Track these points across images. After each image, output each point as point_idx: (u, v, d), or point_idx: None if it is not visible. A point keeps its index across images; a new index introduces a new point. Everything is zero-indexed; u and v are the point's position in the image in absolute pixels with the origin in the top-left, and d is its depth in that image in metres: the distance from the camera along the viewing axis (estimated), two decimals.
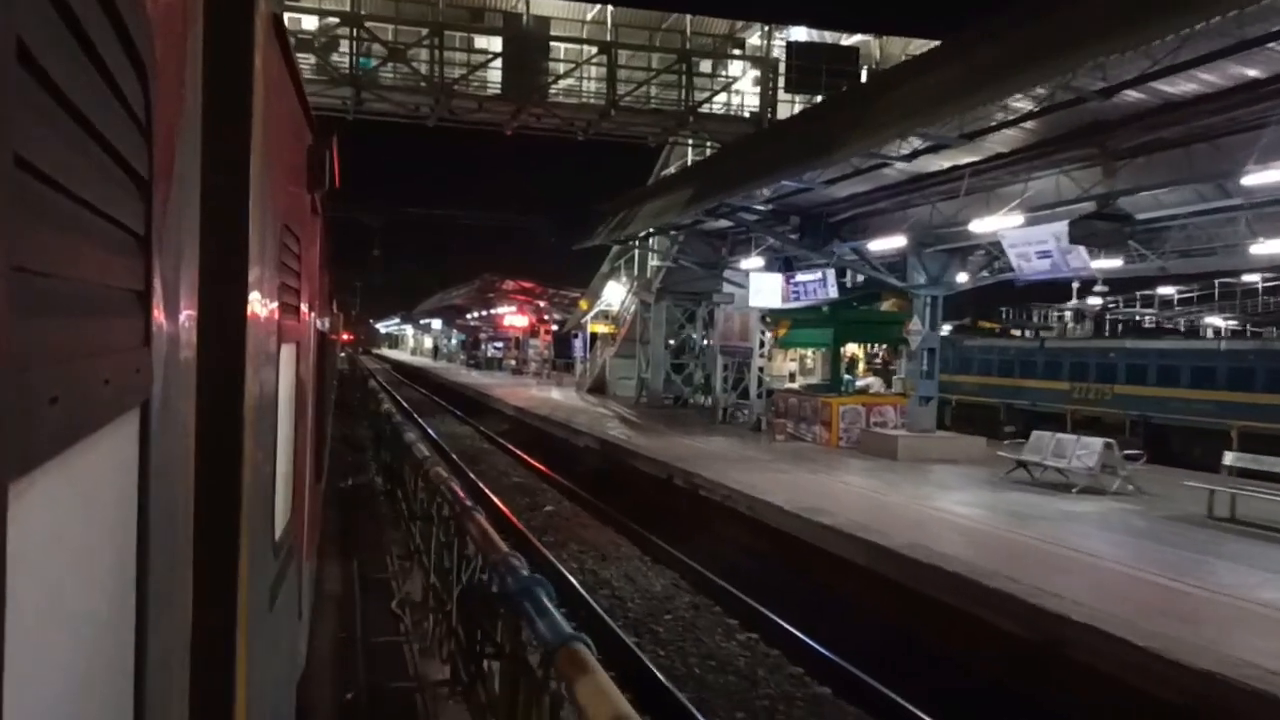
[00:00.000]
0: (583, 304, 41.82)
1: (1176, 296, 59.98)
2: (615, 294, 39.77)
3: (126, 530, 1.03)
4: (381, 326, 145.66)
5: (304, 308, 3.53)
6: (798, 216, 18.46)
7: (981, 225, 13.61)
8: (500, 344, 68.03)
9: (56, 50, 0.68)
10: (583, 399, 35.78)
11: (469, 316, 70.23)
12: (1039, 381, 31.41)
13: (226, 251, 1.63)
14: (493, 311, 57.30)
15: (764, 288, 20.26)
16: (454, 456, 23.99)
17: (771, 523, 13.07)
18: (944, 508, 13.09)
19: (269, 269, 2.08)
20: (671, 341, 32.00)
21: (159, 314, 1.08)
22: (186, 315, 1.30)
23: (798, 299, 22.15)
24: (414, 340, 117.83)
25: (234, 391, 1.69)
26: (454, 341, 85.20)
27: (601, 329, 42.43)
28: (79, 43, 0.75)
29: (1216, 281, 52.01)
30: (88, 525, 0.89)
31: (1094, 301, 60.64)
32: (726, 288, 24.16)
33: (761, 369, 23.55)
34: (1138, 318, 57.92)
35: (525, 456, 24.27)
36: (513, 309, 51.40)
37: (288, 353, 2.77)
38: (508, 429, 30.57)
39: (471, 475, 20.73)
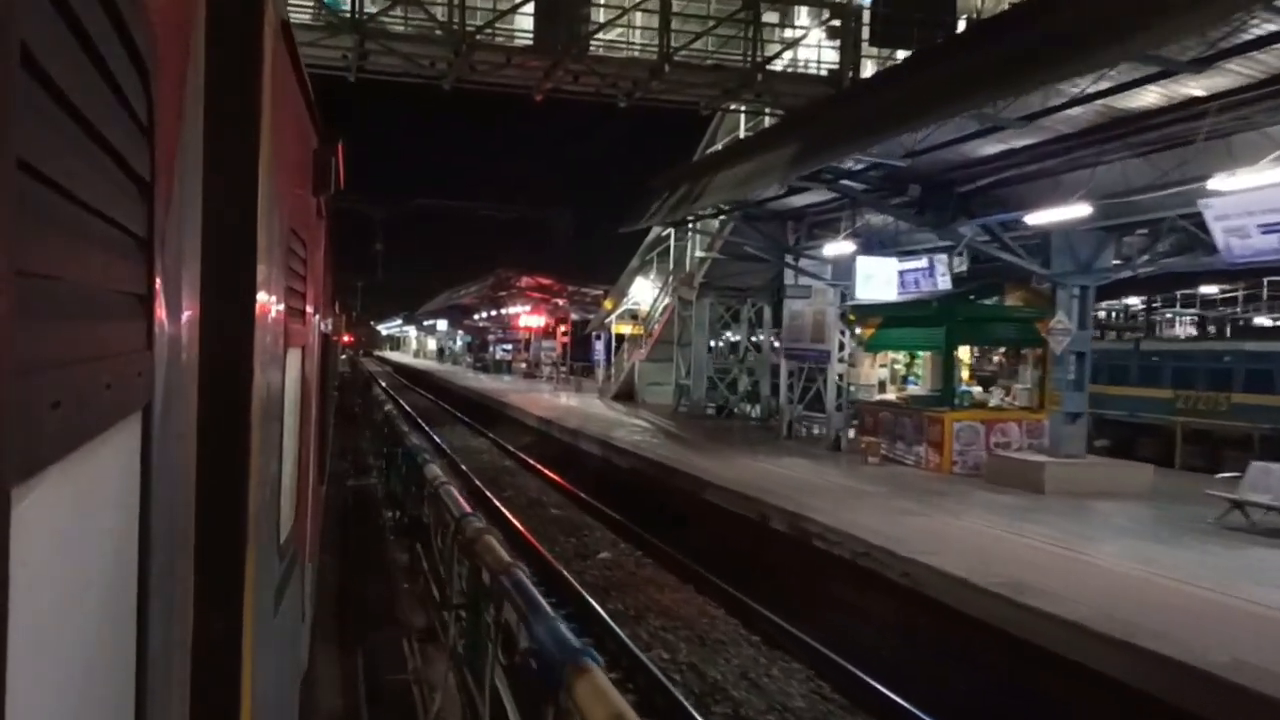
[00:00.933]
0: (607, 303, 38.01)
1: (1220, 296, 56.52)
2: (644, 292, 36.01)
3: (129, 534, 1.03)
4: (383, 328, 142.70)
5: (309, 310, 3.47)
6: (918, 185, 14.64)
7: (1232, 182, 9.81)
8: (509, 346, 64.34)
9: (59, 53, 0.68)
10: (610, 407, 32.02)
11: (476, 317, 66.48)
12: (1134, 389, 27.59)
13: (234, 254, 1.61)
14: (505, 311, 53.32)
15: (876, 275, 16.35)
16: (473, 477, 20.23)
17: (947, 600, 9.24)
18: (1197, 579, 9.18)
19: (276, 272, 2.07)
20: (721, 341, 28.23)
21: (161, 317, 1.08)
22: (189, 318, 1.30)
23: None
24: (416, 342, 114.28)
25: (241, 394, 1.66)
26: (459, 343, 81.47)
27: (627, 330, 38.70)
28: (81, 45, 0.74)
29: (1265, 280, 48.40)
30: (90, 530, 0.89)
31: (1132, 301, 57.28)
32: (796, 279, 20.33)
33: (841, 376, 19.72)
34: (1172, 317, 54.50)
35: (559, 479, 20.46)
36: (527, 308, 47.46)
37: (293, 355, 2.74)
38: (531, 443, 26.75)
39: (498, 505, 16.96)
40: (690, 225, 25.17)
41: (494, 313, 59.77)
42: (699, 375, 27.94)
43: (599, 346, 42.05)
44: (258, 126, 1.65)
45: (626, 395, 34.74)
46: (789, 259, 20.41)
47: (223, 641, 1.57)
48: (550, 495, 19.27)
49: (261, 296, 1.78)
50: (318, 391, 4.63)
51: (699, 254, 26.34)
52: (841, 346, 19.70)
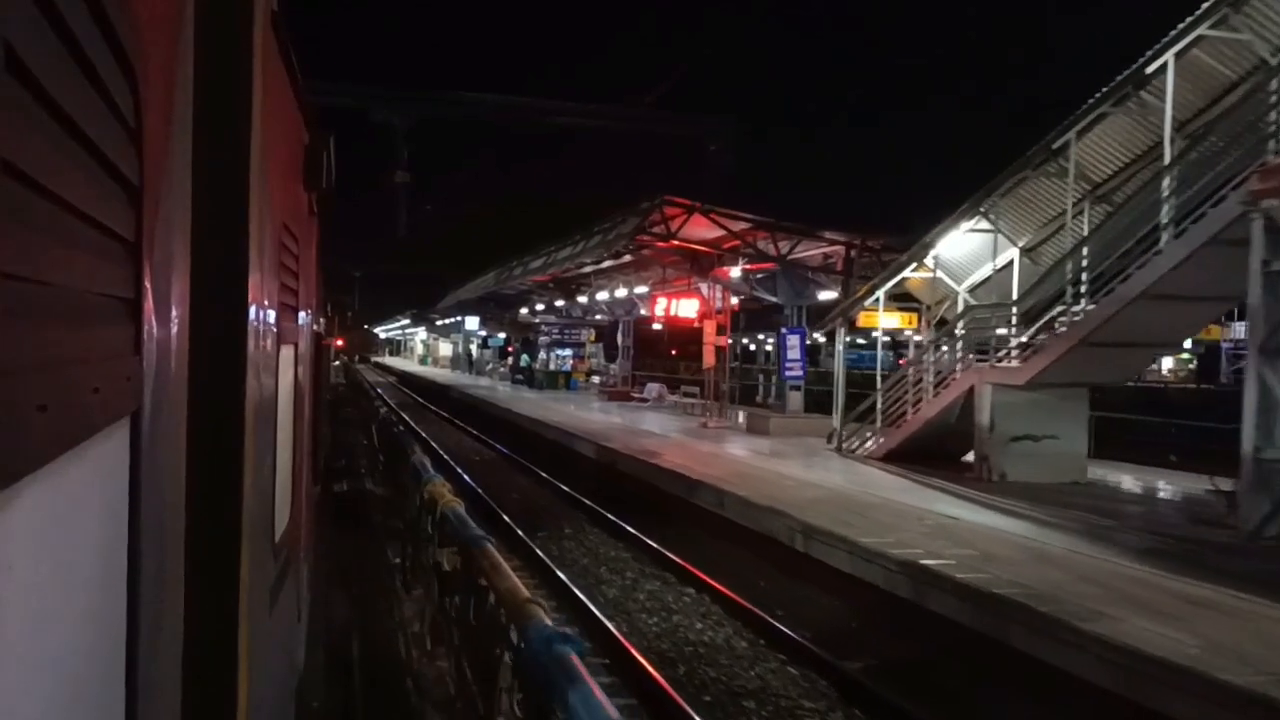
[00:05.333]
0: (862, 290, 19.21)
1: None
2: (963, 247, 17.44)
3: (117, 540, 1.01)
4: (381, 330, 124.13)
5: (302, 309, 3.47)
6: None
7: None
8: (567, 351, 45.42)
9: (44, 56, 0.68)
10: (968, 502, 13.37)
11: (525, 310, 47.67)
12: None
13: (225, 254, 1.57)
14: (609, 295, 34.19)
15: None
16: None
17: None
18: None
19: (268, 270, 2.03)
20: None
21: (149, 321, 1.07)
22: (179, 322, 1.28)
23: None
24: (424, 346, 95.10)
25: (235, 391, 1.63)
26: (481, 348, 62.64)
27: (894, 322, 20.08)
28: (66, 48, 0.74)
29: None
30: (78, 535, 0.88)
31: None
32: None
33: None
34: None
35: None
36: (643, 288, 28.63)
37: (286, 353, 2.72)
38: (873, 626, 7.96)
39: None
40: None
41: (560, 302, 40.94)
42: None
43: (794, 356, 23.30)
44: (248, 122, 1.61)
45: (942, 454, 16.24)
46: None
47: (217, 640, 1.54)
48: None
49: (254, 296, 1.72)
50: (311, 391, 4.56)
51: None
52: None
